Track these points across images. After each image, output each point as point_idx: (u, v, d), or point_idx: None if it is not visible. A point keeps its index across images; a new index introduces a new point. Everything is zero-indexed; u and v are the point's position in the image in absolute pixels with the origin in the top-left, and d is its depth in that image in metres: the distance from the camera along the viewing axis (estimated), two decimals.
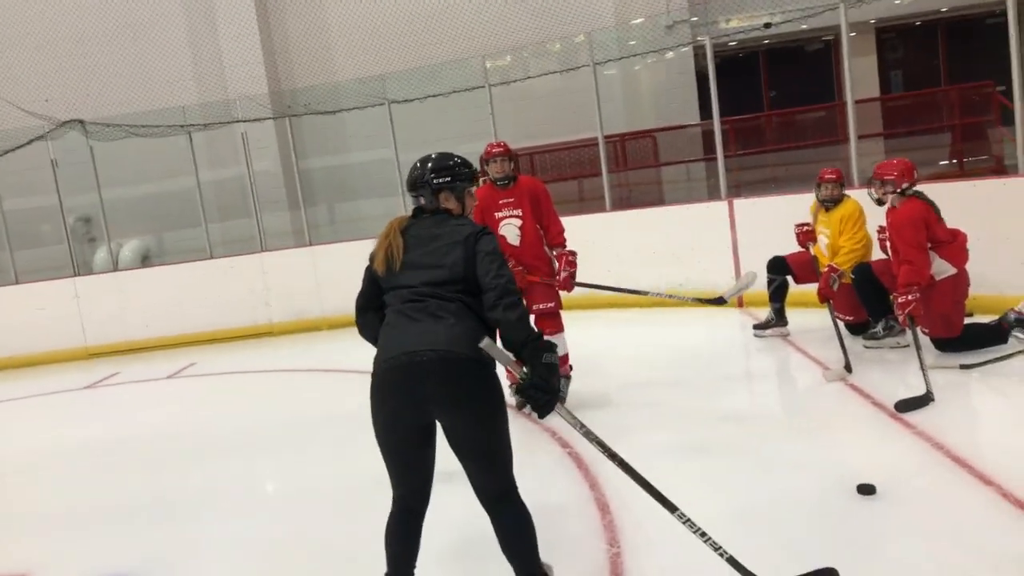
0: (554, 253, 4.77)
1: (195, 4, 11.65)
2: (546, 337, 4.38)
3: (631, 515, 3.14)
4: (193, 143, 9.36)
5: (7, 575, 3.39)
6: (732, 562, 2.39)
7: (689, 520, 2.44)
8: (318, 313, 8.64)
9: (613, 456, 2.51)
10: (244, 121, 9.47)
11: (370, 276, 2.50)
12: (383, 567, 2.45)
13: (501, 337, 2.38)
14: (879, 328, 5.14)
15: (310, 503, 3.75)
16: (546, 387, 2.26)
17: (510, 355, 2.33)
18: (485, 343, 2.27)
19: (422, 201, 2.57)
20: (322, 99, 9.99)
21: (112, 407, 6.77)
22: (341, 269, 8.16)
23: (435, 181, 2.54)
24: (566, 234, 4.82)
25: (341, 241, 8.94)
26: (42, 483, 4.76)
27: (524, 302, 2.58)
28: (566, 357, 4.71)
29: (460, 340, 2.29)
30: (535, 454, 4.02)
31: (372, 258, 2.49)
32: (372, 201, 10.69)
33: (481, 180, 4.59)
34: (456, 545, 3.08)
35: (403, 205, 9.07)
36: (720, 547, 2.40)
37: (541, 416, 2.31)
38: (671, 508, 2.48)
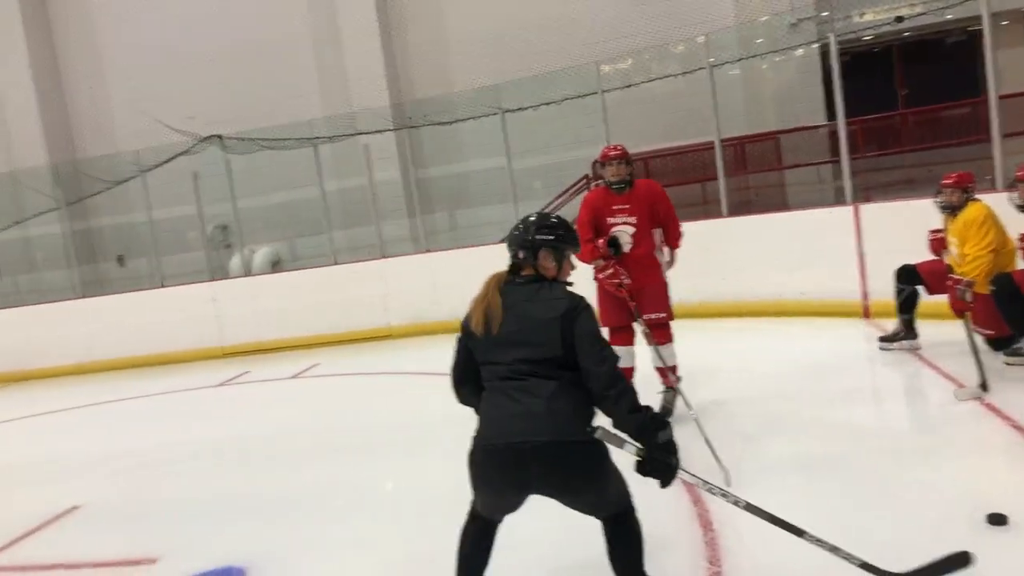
0: (664, 250, 4.66)
1: (321, 22, 12.27)
2: (656, 347, 4.33)
3: (734, 533, 3.02)
4: (319, 155, 9.83)
5: (138, 559, 3.67)
6: (865, 566, 2.36)
7: (818, 539, 2.39)
8: (435, 317, 8.84)
9: (738, 502, 2.48)
10: (366, 133, 9.86)
11: (465, 347, 2.47)
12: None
13: (602, 405, 2.33)
14: (1021, 344, 4.72)
15: (422, 505, 3.83)
16: (666, 466, 2.26)
17: (625, 437, 2.30)
18: (600, 433, 2.26)
19: (520, 256, 2.49)
20: (440, 110, 10.28)
21: (240, 405, 7.20)
22: (457, 273, 8.41)
23: (538, 238, 2.49)
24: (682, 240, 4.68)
25: (457, 248, 9.13)
26: (172, 475, 5.10)
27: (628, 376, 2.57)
28: (675, 368, 4.58)
29: (563, 422, 2.28)
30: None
31: (467, 321, 2.45)
32: (487, 209, 10.87)
33: (594, 183, 4.55)
34: (550, 560, 3.06)
35: (515, 212, 9.17)
36: (852, 555, 2.37)
37: (663, 487, 2.30)
38: (799, 533, 2.43)
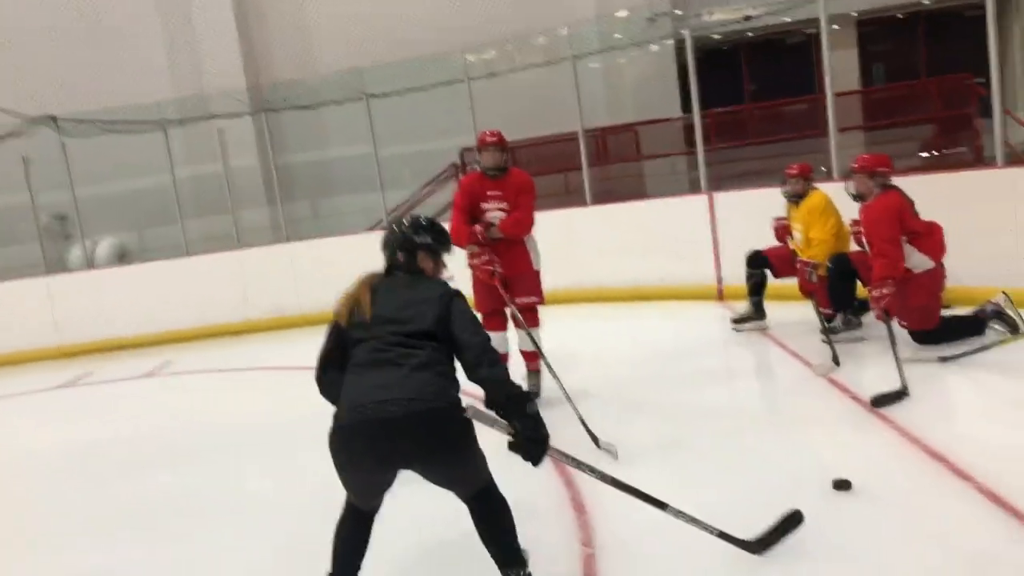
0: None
1: None
2: (528, 331, 4.39)
3: (606, 515, 3.10)
4: (169, 139, 9.23)
5: None
6: (722, 536, 2.56)
7: (681, 512, 2.56)
8: (297, 309, 8.54)
9: (604, 477, 2.58)
10: (220, 117, 9.35)
11: (336, 333, 2.47)
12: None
13: (486, 395, 2.35)
14: (838, 322, 5.13)
15: (288, 504, 3.68)
16: (536, 438, 2.29)
17: (495, 416, 2.32)
18: (471, 412, 2.28)
19: (399, 258, 2.59)
20: (301, 94, 9.89)
21: (85, 408, 6.66)
22: (320, 263, 8.21)
23: (418, 240, 2.61)
24: (538, 230, 4.70)
25: (320, 237, 8.84)
26: (13, 489, 4.64)
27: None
28: (538, 353, 4.62)
29: (427, 388, 2.27)
30: (510, 455, 3.97)
31: (337, 313, 2.47)
32: (352, 197, 10.60)
33: (468, 169, 4.54)
34: (423, 544, 3.03)
35: (382, 201, 9.00)
36: (709, 526, 2.55)
37: (535, 465, 2.32)
38: (662, 506, 2.57)
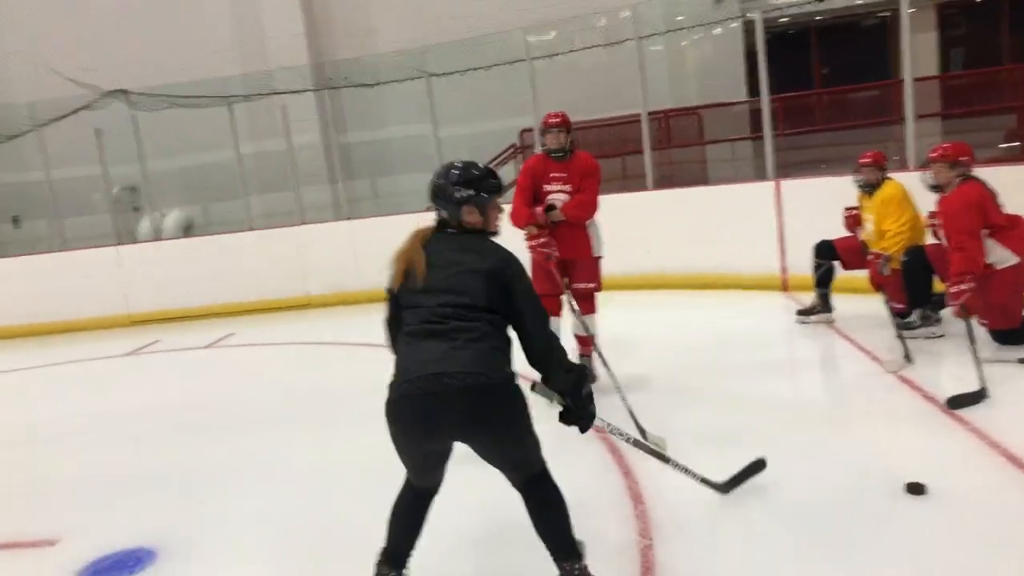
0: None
1: None
2: (582, 317, 4.34)
3: (664, 504, 3.04)
4: (234, 115, 9.37)
5: (35, 541, 3.43)
6: (705, 482, 2.85)
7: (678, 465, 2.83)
8: (356, 287, 8.62)
9: (628, 438, 2.81)
10: (284, 93, 9.46)
11: (393, 299, 2.43)
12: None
13: (538, 366, 2.39)
14: (915, 317, 4.93)
15: (336, 479, 3.72)
16: (589, 413, 2.39)
17: (555, 394, 2.40)
18: (538, 388, 2.38)
19: (443, 214, 2.47)
20: (362, 72, 9.94)
21: (149, 375, 6.85)
22: (379, 243, 8.17)
23: (457, 195, 2.43)
24: (601, 214, 4.62)
25: (379, 216, 8.90)
26: (73, 450, 4.81)
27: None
28: (593, 338, 4.56)
29: (482, 360, 2.23)
30: (568, 441, 3.93)
31: (391, 277, 2.41)
32: (410, 176, 10.63)
33: (533, 149, 4.50)
34: (480, 529, 3.02)
35: None
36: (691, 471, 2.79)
37: (583, 432, 2.43)
38: (664, 459, 2.86)
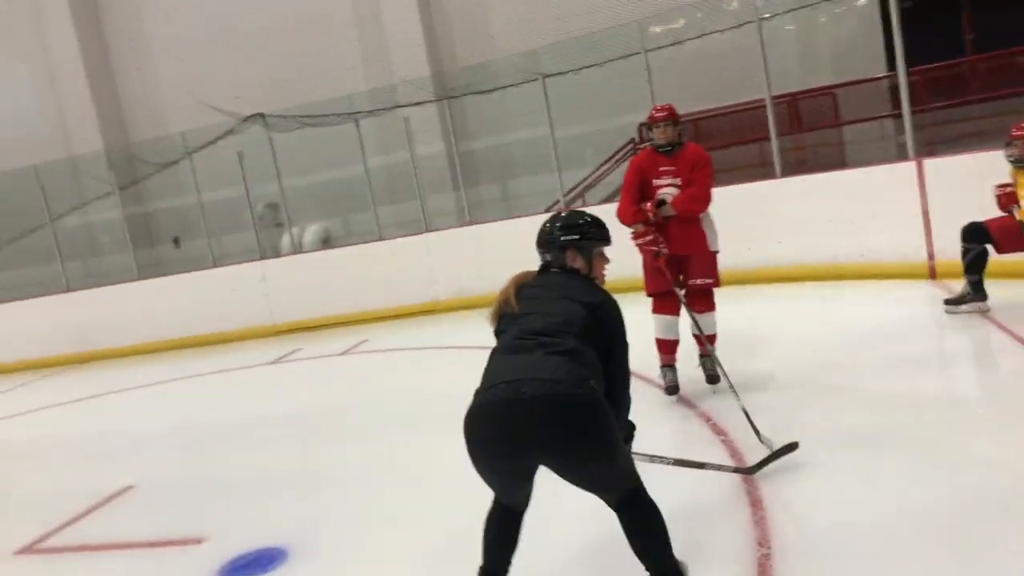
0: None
1: None
2: (696, 315, 4.20)
3: (786, 513, 2.87)
4: (361, 130, 9.77)
5: (184, 539, 3.70)
6: (737, 470, 2.95)
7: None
8: (479, 290, 8.76)
9: (665, 460, 2.88)
10: (406, 106, 9.76)
11: (496, 335, 2.49)
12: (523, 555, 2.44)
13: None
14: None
15: (465, 482, 3.76)
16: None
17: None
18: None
19: (548, 257, 2.54)
20: (481, 79, 10.09)
21: (292, 382, 7.27)
22: (501, 246, 8.32)
23: (563, 239, 2.51)
24: (718, 207, 4.42)
25: (500, 220, 8.99)
26: (223, 454, 5.16)
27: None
28: (713, 337, 4.39)
29: (566, 374, 2.14)
30: (690, 442, 3.81)
31: (489, 316, 2.49)
32: (531, 178, 10.70)
33: (641, 146, 4.43)
34: (587, 544, 2.96)
35: (559, 182, 8.98)
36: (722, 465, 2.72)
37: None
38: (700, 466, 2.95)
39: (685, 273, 4.39)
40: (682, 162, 4.36)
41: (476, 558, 2.48)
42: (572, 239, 2.50)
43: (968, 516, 2.66)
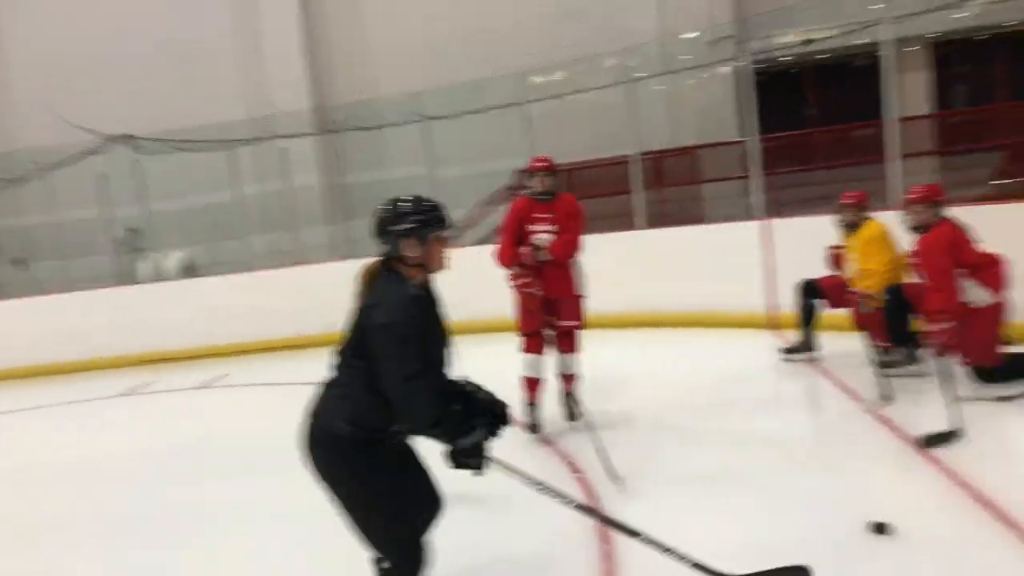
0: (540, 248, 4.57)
1: (243, 22, 11.96)
2: (563, 355, 4.38)
3: (633, 550, 3.02)
4: (237, 158, 9.55)
5: None
6: (698, 567, 2.41)
7: (652, 540, 2.45)
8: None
9: (570, 502, 2.56)
10: (285, 137, 9.65)
11: None
12: None
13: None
14: (899, 355, 4.93)
15: (325, 519, 3.71)
16: (466, 464, 2.31)
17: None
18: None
19: (385, 249, 2.39)
20: (362, 115, 10.13)
21: (142, 415, 6.89)
22: None
23: (393, 228, 2.36)
24: (588, 253, 4.66)
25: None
26: (56, 490, 4.84)
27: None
28: (576, 377, 4.61)
29: (325, 409, 2.34)
30: (543, 476, 3.93)
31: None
32: None
33: (523, 190, 4.63)
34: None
35: None
36: (686, 555, 2.42)
37: (476, 475, 2.34)
38: (634, 534, 2.48)
39: (555, 315, 4.59)
40: (558, 210, 4.59)
41: None
42: (405, 228, 2.34)
43: (791, 543, 2.91)
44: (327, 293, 8.71)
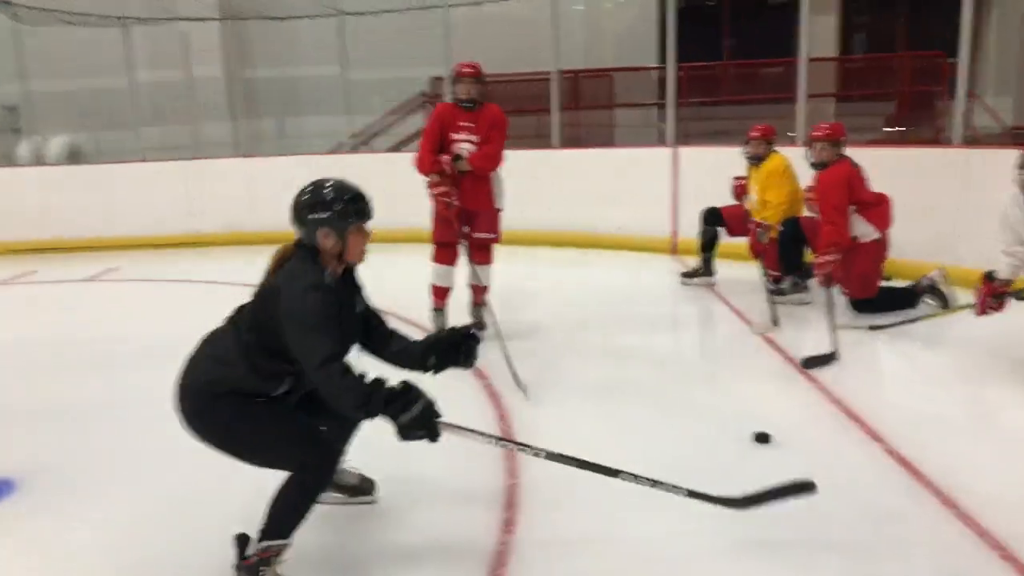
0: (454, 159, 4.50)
1: None
2: (476, 266, 4.42)
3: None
4: (131, 39, 8.87)
5: None
6: (693, 494, 2.39)
7: (634, 476, 2.39)
8: (252, 226, 8.40)
9: (538, 453, 2.44)
10: (186, 20, 9.01)
11: None
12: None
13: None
14: (786, 284, 5.25)
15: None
16: (417, 436, 2.20)
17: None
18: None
19: (299, 236, 2.28)
20: (273, 5, 9.57)
21: (23, 307, 6.54)
22: (278, 183, 7.99)
23: (311, 217, 2.23)
24: (505, 167, 4.66)
25: (279, 156, 8.67)
26: None
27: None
28: (486, 289, 4.67)
29: (197, 366, 2.30)
30: (452, 386, 4.01)
31: None
32: (317, 118, 10.38)
33: (447, 98, 4.50)
34: None
35: (348, 124, 8.85)
36: (676, 486, 2.39)
37: (432, 441, 2.23)
38: (613, 473, 2.40)
39: (471, 226, 4.59)
40: (482, 120, 4.51)
41: (216, 496, 2.63)
42: (320, 217, 2.23)
43: (677, 456, 3.10)
44: (222, 190, 8.45)
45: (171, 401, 2.30)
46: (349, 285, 2.42)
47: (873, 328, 4.49)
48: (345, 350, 2.30)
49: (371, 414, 2.18)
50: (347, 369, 2.17)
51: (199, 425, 2.27)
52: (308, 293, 2.16)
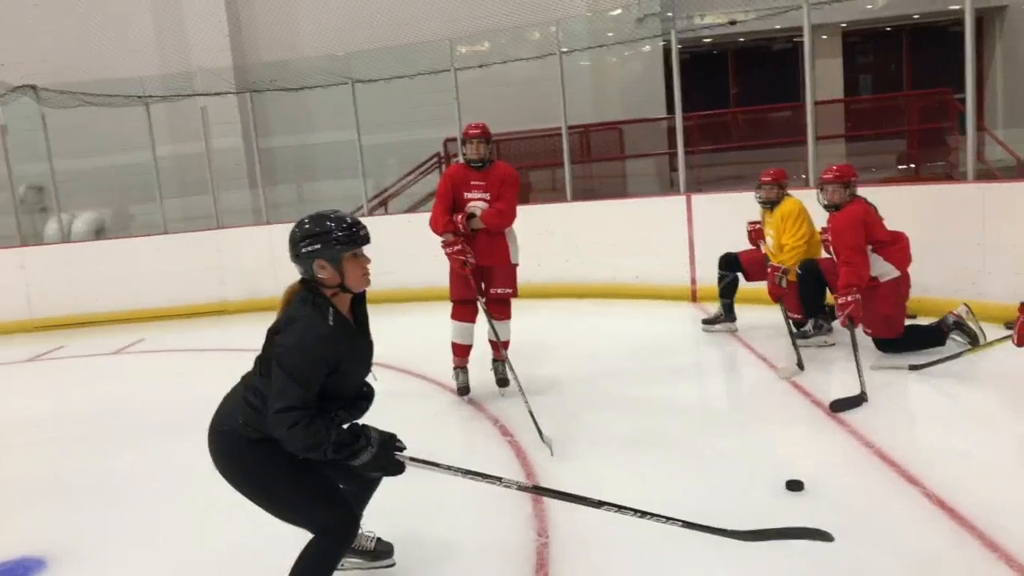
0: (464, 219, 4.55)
1: None
2: (495, 322, 4.44)
3: (562, 507, 3.13)
4: (152, 116, 9.15)
5: None
6: (688, 525, 2.38)
7: (619, 507, 2.41)
8: (274, 292, 8.48)
9: (523, 487, 2.53)
10: (204, 95, 9.28)
11: None
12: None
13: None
14: (809, 327, 5.21)
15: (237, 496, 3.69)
16: (378, 469, 2.31)
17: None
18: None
19: (299, 271, 2.32)
20: (287, 76, 9.82)
21: (52, 381, 6.62)
22: None
23: (303, 250, 2.26)
24: (519, 223, 4.71)
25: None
26: None
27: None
28: (506, 344, 4.68)
29: (228, 409, 2.33)
30: (478, 441, 4.03)
31: None
32: (334, 182, 10.58)
33: (455, 158, 4.58)
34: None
35: (364, 188, 9.00)
36: (669, 517, 2.39)
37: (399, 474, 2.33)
38: (596, 504, 2.43)
39: (487, 283, 4.64)
40: (492, 178, 4.60)
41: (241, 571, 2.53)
42: (313, 250, 2.25)
43: (710, 502, 3.07)
44: (246, 258, 8.59)
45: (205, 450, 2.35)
46: (359, 316, 2.45)
47: (913, 368, 4.40)
48: (336, 398, 2.32)
49: (322, 458, 2.22)
50: (305, 421, 2.15)
51: (223, 465, 2.33)
52: (299, 346, 2.19)
